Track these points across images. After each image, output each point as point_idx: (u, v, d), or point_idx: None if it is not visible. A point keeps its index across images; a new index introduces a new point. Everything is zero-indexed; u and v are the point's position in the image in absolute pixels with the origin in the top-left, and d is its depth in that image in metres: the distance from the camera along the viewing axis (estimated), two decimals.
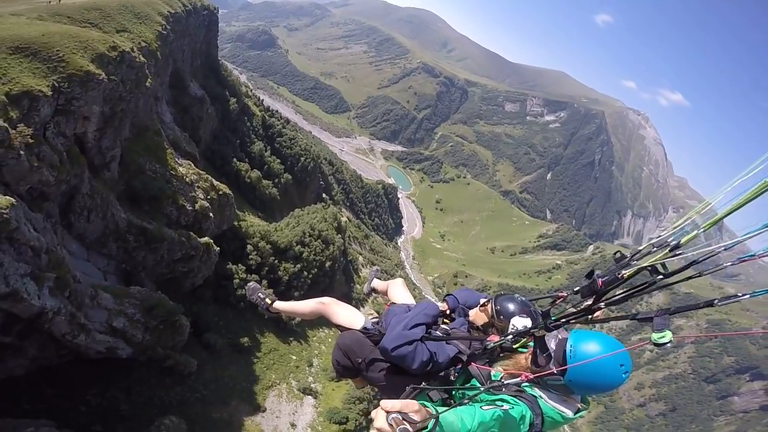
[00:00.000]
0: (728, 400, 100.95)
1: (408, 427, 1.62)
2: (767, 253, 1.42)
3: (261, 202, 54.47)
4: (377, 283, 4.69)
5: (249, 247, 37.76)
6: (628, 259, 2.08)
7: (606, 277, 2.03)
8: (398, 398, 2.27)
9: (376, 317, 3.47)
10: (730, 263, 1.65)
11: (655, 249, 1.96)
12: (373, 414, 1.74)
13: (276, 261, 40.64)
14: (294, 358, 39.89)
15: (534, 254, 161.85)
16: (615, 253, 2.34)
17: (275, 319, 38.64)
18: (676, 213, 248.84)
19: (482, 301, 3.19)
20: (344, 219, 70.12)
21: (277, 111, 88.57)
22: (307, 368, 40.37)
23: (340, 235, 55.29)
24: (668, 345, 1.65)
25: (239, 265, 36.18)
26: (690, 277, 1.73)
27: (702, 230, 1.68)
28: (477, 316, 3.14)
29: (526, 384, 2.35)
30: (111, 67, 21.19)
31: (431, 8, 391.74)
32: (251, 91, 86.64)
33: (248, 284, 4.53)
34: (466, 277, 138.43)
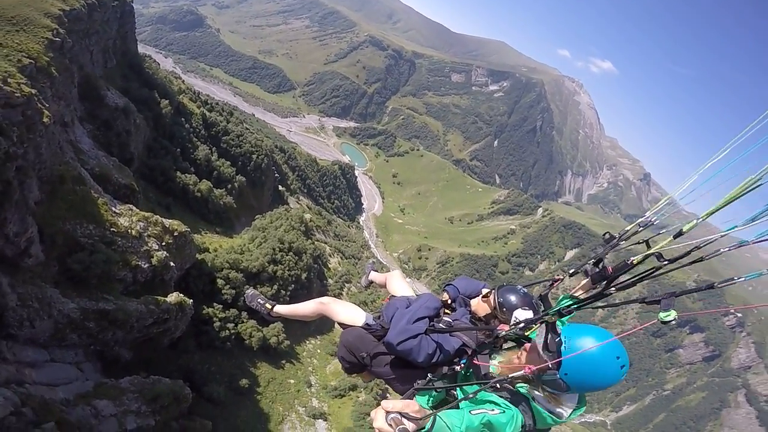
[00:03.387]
0: (675, 352, 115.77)
1: (407, 427, 1.64)
2: (761, 239, 1.58)
3: (216, 215, 49.77)
4: (375, 276, 4.69)
5: (219, 281, 34.37)
6: (617, 238, 2.29)
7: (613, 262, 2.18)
8: (404, 390, 2.60)
9: (377, 312, 3.47)
10: (727, 248, 1.73)
11: (641, 229, 2.17)
12: (372, 414, 1.75)
13: (251, 288, 37.73)
14: (292, 382, 39.68)
15: (489, 221, 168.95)
16: (604, 234, 2.44)
17: (264, 346, 38.26)
18: (610, 171, 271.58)
19: (484, 291, 3.20)
20: (308, 216, 66.92)
21: (217, 103, 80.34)
22: (307, 390, 40.55)
23: (310, 241, 52.70)
24: (673, 322, 1.75)
25: (215, 305, 33.20)
26: (692, 262, 1.80)
27: (701, 219, 1.79)
28: (479, 306, 3.14)
29: (521, 384, 2.33)
30: None
31: None
32: (183, 83, 76.82)
33: (247, 291, 4.46)
34: (429, 249, 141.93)
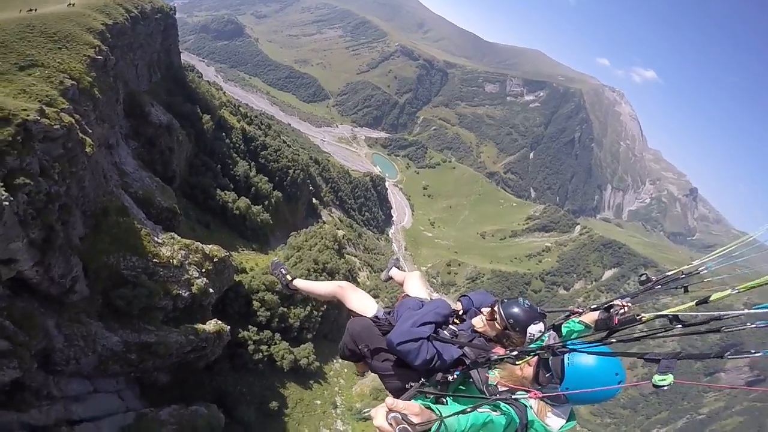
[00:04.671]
0: (715, 376, 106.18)
1: (408, 427, 1.63)
2: None
3: (253, 231, 49.87)
4: (395, 273, 4.71)
5: (255, 303, 34.11)
6: (653, 282, 2.27)
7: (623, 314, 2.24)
8: (396, 389, 2.83)
9: (388, 307, 3.48)
10: (754, 325, 1.62)
11: (683, 276, 2.11)
12: (373, 412, 1.74)
13: (285, 309, 37.45)
14: (318, 403, 39.59)
15: (524, 237, 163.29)
16: (641, 275, 2.41)
17: (294, 367, 38.31)
18: (653, 185, 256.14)
19: (485, 310, 3.08)
20: (341, 233, 66.32)
21: (257, 116, 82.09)
22: (332, 411, 40.32)
23: (343, 259, 51.82)
24: (665, 389, 1.68)
25: (249, 328, 33.07)
26: (708, 331, 1.71)
27: (737, 291, 1.70)
28: (487, 328, 3.03)
29: (519, 392, 2.36)
30: (11, 158, 13.77)
31: None
32: (225, 94, 79.02)
33: (272, 260, 4.54)
34: (459, 265, 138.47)
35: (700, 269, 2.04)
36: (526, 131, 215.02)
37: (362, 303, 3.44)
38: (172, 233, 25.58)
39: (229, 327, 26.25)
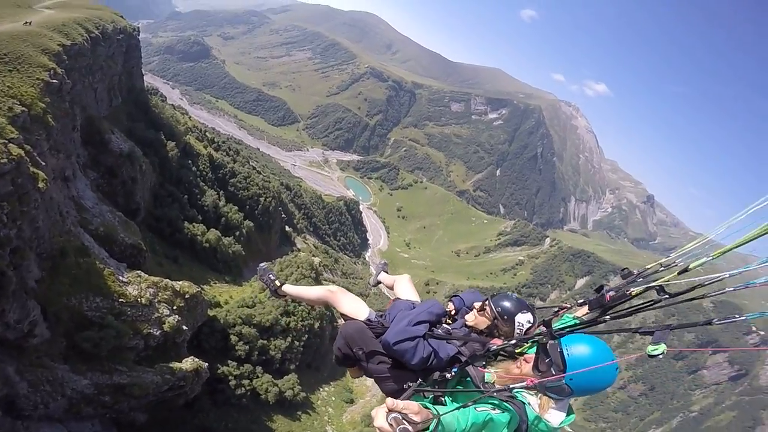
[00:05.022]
0: (699, 374, 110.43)
1: (408, 427, 1.64)
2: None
3: (225, 264, 47.60)
4: (384, 277, 4.77)
5: (233, 337, 32.26)
6: (635, 276, 2.37)
7: (614, 292, 2.30)
8: (393, 391, 2.85)
9: (380, 311, 3.47)
10: (732, 288, 1.73)
11: (662, 269, 2.20)
12: (373, 413, 1.75)
13: (265, 341, 35.62)
14: None
15: (497, 252, 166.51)
16: (623, 270, 2.53)
17: (279, 399, 36.29)
18: (613, 194, 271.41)
19: (476, 305, 3.19)
20: (317, 260, 64.72)
21: (224, 141, 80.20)
22: None
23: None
24: (660, 357, 1.77)
25: (229, 363, 31.60)
26: (693, 299, 1.81)
27: (711, 258, 1.83)
28: (478, 320, 3.12)
29: (518, 390, 2.37)
30: None
31: (372, 10, 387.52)
32: (190, 119, 76.76)
33: (260, 265, 4.49)
34: (437, 284, 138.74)
35: (677, 262, 2.16)
36: (491, 149, 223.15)
37: (354, 306, 3.38)
38: (139, 271, 23.67)
39: (206, 364, 24.49)
